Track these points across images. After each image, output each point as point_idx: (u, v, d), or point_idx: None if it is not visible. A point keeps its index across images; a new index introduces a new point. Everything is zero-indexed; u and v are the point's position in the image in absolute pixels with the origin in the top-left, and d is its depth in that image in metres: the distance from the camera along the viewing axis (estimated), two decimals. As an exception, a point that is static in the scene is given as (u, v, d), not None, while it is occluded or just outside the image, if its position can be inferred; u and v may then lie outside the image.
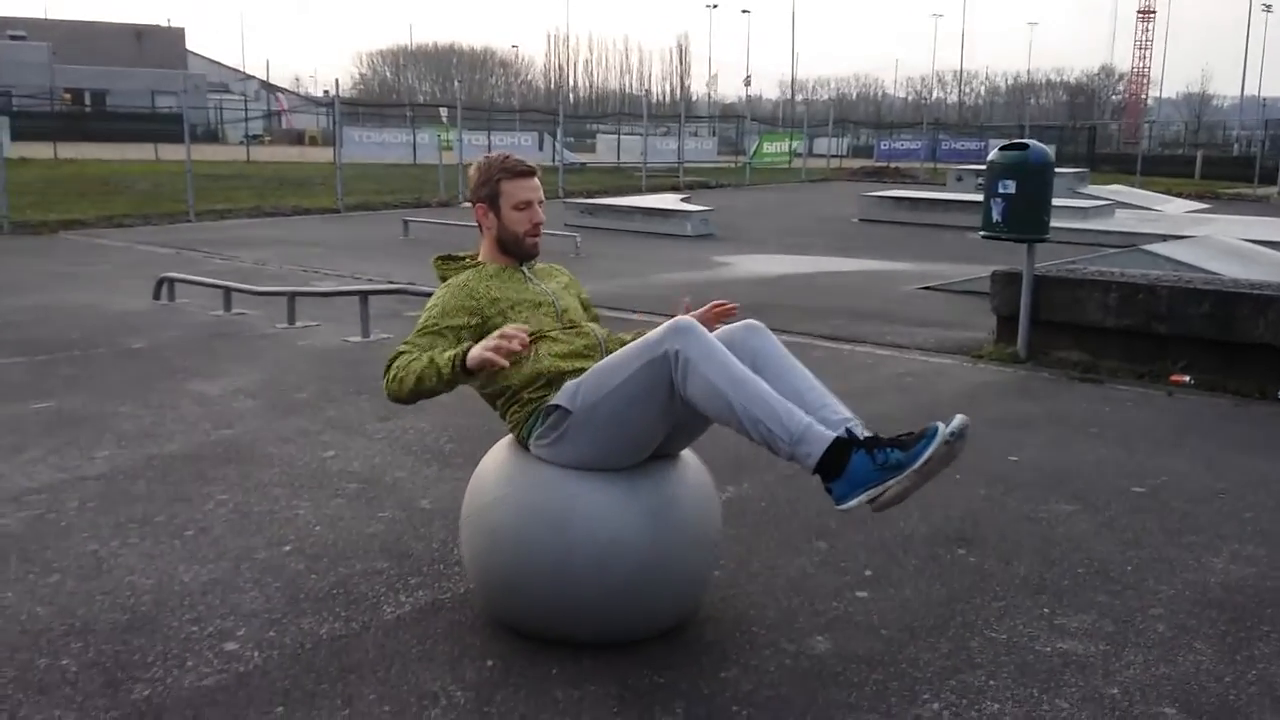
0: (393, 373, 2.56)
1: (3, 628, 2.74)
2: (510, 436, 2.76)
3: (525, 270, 2.82)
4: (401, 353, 2.59)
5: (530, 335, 2.65)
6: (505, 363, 2.39)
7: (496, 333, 2.43)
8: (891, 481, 2.26)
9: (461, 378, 2.47)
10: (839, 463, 2.29)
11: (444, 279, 2.82)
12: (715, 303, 2.86)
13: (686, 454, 2.79)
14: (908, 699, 2.45)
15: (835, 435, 2.32)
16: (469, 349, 2.44)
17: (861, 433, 2.37)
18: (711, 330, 2.79)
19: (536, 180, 2.81)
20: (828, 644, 2.70)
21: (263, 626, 2.77)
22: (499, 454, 2.76)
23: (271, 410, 5.00)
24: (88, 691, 2.44)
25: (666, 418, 2.51)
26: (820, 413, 2.42)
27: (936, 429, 2.26)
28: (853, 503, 2.29)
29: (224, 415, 4.89)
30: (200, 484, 3.91)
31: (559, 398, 2.57)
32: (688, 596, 2.73)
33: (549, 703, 2.40)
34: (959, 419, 2.27)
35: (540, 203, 2.81)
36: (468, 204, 2.91)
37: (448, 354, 2.48)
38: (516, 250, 2.80)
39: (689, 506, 2.67)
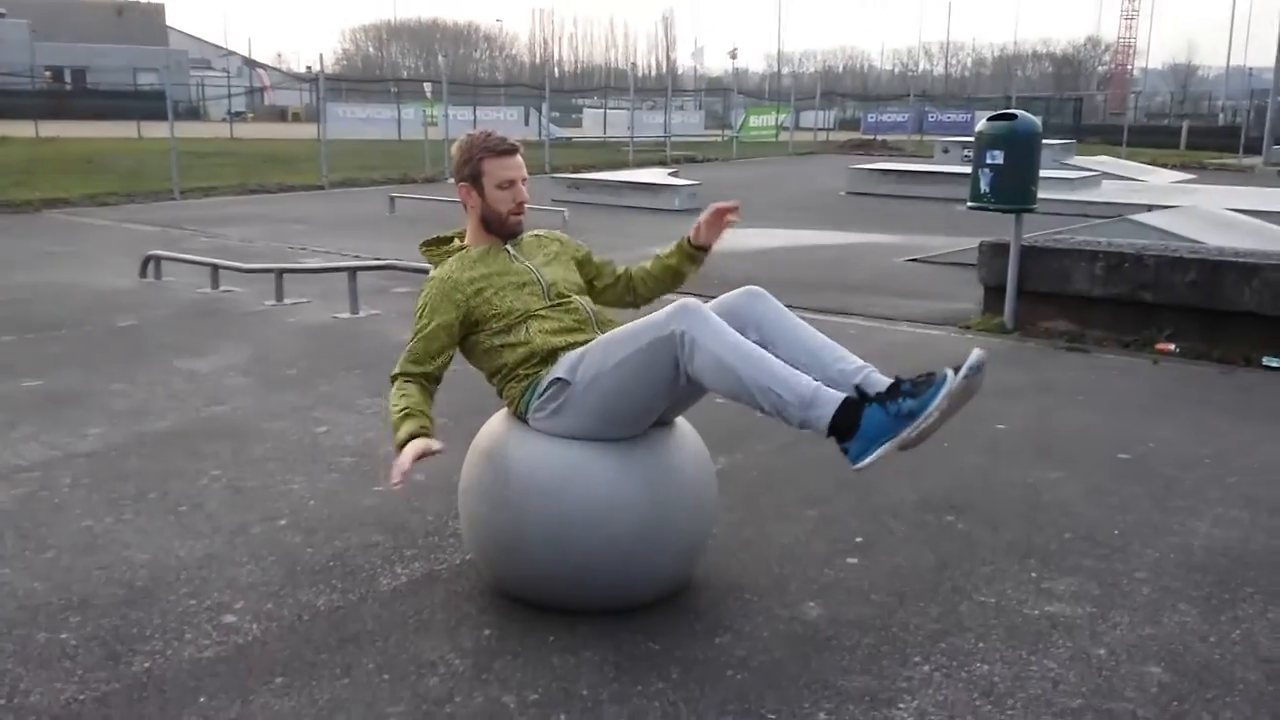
0: (391, 400, 2.63)
1: (1, 603, 2.76)
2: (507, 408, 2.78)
3: (510, 249, 2.82)
4: (399, 374, 2.66)
5: (517, 316, 2.69)
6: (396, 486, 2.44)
7: (401, 465, 2.45)
8: (906, 431, 2.25)
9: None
10: (852, 421, 2.29)
11: (434, 264, 2.84)
12: (716, 205, 2.86)
13: (681, 422, 2.81)
14: (899, 662, 2.49)
15: (844, 396, 2.32)
16: (404, 442, 2.49)
17: (875, 381, 2.39)
18: (718, 232, 2.85)
19: (519, 158, 2.80)
20: (820, 609, 2.74)
21: (260, 599, 2.79)
22: (497, 424, 2.78)
23: (262, 387, 5.00)
24: (88, 664, 2.46)
25: (668, 393, 2.53)
26: (836, 365, 2.45)
27: (946, 375, 2.26)
28: (870, 459, 2.27)
29: (215, 392, 4.89)
30: (193, 460, 3.92)
31: (559, 370, 2.59)
32: (684, 562, 2.76)
33: (546, 669, 2.43)
34: (976, 353, 2.29)
35: (523, 180, 2.80)
36: (452, 180, 2.91)
37: (401, 434, 2.52)
38: (500, 229, 2.81)
39: (685, 473, 2.70)
